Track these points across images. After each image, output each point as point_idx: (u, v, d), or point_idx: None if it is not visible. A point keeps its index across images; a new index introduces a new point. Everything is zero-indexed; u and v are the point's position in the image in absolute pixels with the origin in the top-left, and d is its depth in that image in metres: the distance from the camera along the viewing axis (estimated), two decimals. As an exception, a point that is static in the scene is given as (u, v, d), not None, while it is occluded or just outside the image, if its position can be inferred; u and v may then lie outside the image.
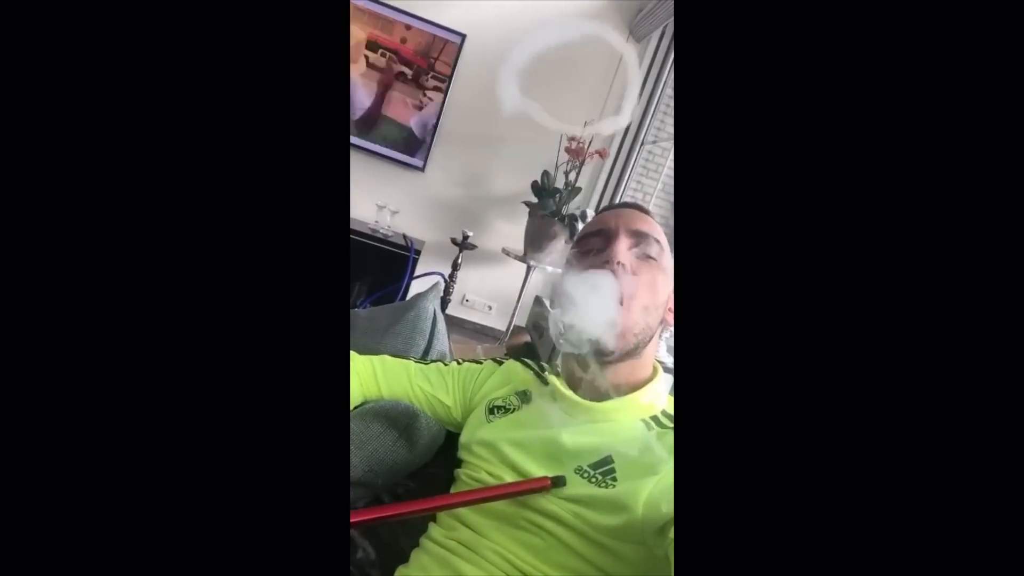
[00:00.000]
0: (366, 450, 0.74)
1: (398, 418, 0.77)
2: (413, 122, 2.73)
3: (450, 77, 2.70)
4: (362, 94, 2.69)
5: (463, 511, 0.61)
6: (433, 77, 2.70)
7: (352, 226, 2.49)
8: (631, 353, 0.60)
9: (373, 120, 2.73)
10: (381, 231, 2.55)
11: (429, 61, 2.68)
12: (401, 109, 2.72)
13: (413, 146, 2.75)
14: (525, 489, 0.56)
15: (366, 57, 2.65)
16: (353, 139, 2.71)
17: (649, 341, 0.61)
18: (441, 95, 2.71)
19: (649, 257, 0.62)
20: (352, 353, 0.77)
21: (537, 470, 0.58)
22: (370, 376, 0.75)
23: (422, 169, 2.79)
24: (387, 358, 0.77)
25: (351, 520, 0.52)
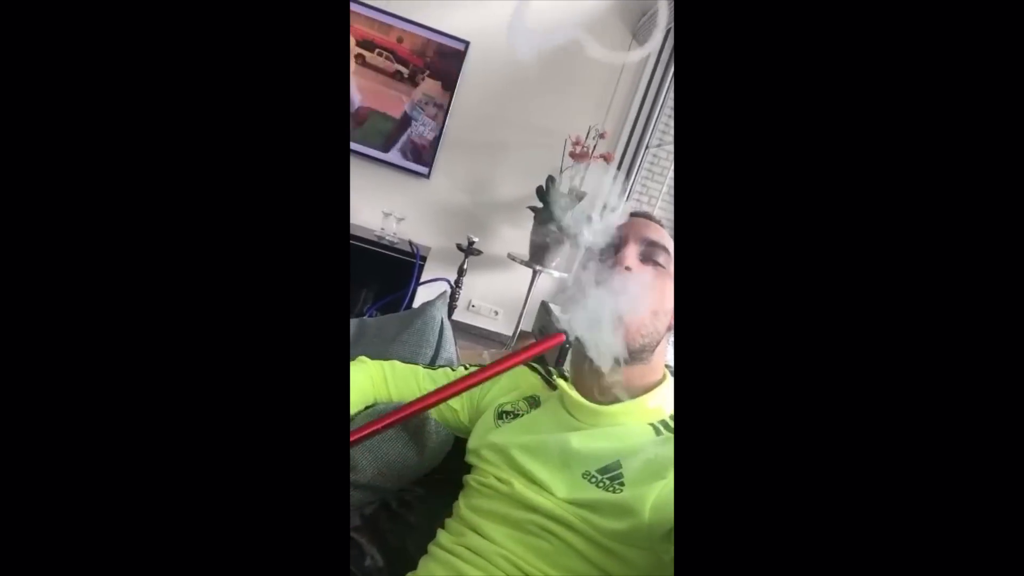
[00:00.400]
0: (376, 453, 0.74)
1: (408, 422, 0.77)
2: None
3: (454, 83, 2.71)
4: (354, 92, 2.75)
5: (471, 516, 0.61)
6: (428, 76, 2.73)
7: (358, 233, 2.50)
8: (638, 356, 0.60)
9: (362, 118, 2.77)
10: (387, 238, 2.55)
11: (425, 60, 2.71)
12: (394, 104, 2.77)
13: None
14: (542, 349, 0.55)
15: (362, 56, 2.69)
16: (353, 145, 2.73)
17: (656, 345, 0.62)
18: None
19: (657, 264, 0.62)
20: (363, 357, 0.82)
21: (546, 474, 0.58)
22: (380, 379, 0.80)
23: (427, 176, 2.80)
24: (396, 363, 0.82)
25: (351, 438, 0.49)
